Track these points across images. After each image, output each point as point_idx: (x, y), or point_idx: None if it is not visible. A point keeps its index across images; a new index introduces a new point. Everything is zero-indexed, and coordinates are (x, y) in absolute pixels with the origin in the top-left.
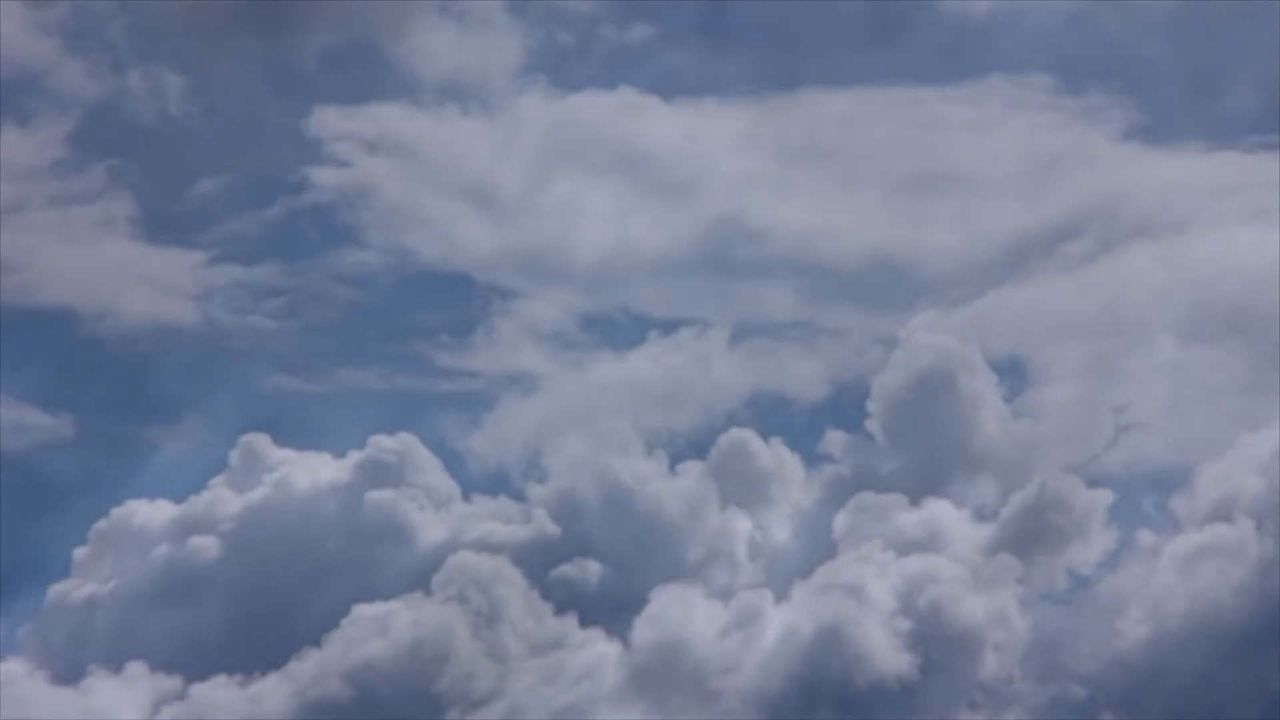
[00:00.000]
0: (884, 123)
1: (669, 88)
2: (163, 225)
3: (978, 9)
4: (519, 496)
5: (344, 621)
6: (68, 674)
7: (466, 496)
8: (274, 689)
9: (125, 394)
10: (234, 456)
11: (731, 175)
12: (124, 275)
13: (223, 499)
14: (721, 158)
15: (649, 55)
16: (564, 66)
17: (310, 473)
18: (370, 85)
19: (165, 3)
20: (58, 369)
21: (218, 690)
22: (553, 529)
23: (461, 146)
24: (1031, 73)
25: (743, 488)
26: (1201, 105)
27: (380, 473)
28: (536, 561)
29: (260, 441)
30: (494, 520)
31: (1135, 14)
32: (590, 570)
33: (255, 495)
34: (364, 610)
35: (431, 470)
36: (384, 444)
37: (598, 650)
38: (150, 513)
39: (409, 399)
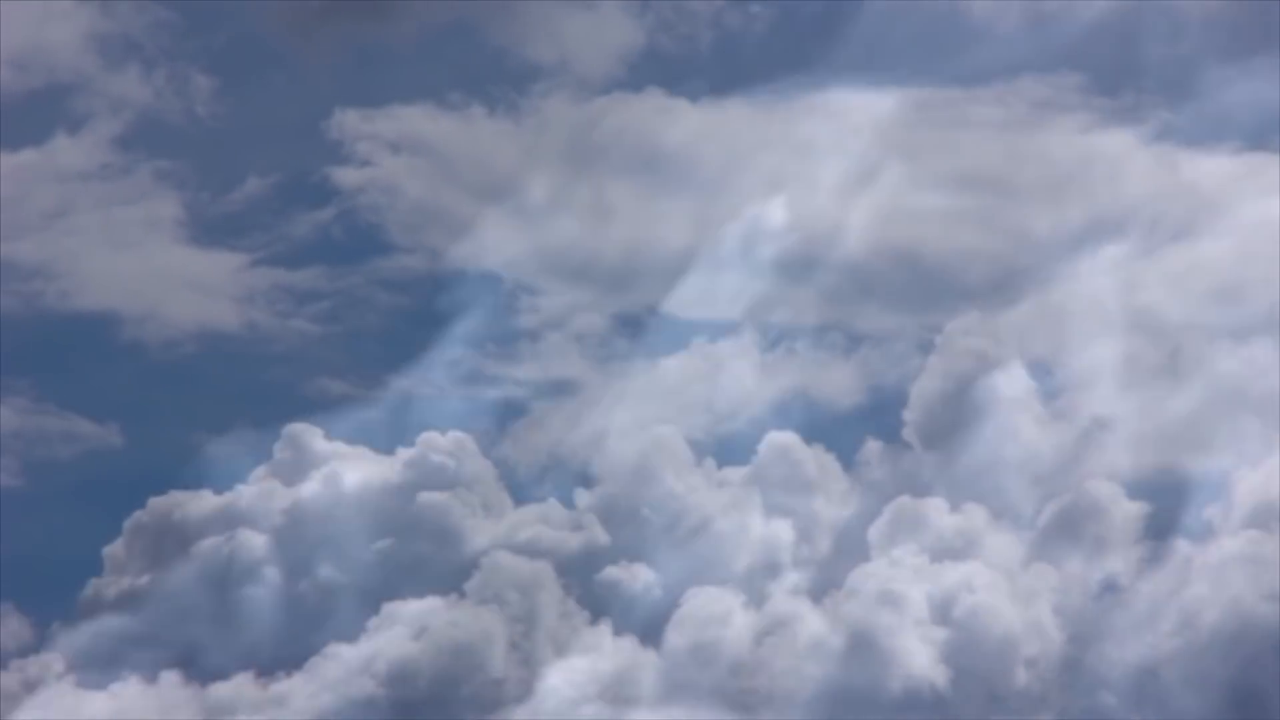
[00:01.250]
0: (915, 124)
1: (696, 89)
2: (207, 227)
3: (1009, 9)
4: (568, 502)
5: (374, 621)
6: (97, 670)
7: (516, 502)
8: (299, 687)
9: (169, 398)
10: (278, 447)
11: (759, 177)
12: (169, 278)
13: (266, 491)
14: (750, 159)
15: (675, 57)
16: (590, 69)
17: (358, 471)
18: (395, 86)
19: (210, 6)
20: (101, 373)
21: (244, 688)
22: (603, 536)
23: (488, 147)
24: (1063, 73)
25: (785, 493)
26: (1234, 106)
27: (430, 472)
28: (582, 567)
29: (307, 433)
30: (542, 524)
31: (1166, 14)
32: (635, 576)
33: (301, 489)
34: (395, 609)
35: (482, 472)
36: (435, 442)
37: (633, 655)
38: (190, 505)
39: (455, 403)
